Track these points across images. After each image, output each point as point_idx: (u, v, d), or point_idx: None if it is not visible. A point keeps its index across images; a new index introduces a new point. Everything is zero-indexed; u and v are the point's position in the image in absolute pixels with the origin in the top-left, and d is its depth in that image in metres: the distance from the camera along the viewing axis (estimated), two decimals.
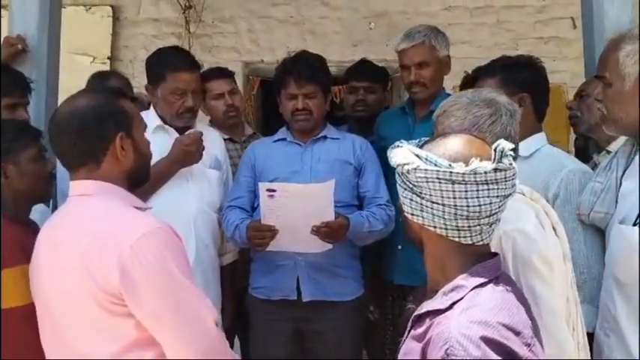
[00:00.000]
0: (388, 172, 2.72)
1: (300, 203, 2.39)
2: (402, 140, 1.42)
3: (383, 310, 2.85)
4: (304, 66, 2.64)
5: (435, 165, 1.30)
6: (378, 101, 3.26)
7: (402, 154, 1.36)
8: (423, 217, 1.34)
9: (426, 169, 1.30)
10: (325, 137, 2.71)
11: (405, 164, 1.33)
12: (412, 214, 1.36)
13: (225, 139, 3.04)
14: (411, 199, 1.36)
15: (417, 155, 1.34)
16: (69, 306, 1.55)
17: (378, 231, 2.58)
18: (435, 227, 1.34)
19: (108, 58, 5.03)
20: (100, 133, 1.62)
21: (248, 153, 2.79)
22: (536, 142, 2.12)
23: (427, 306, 1.36)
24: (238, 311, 2.82)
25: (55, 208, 2.36)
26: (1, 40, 2.65)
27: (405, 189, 1.37)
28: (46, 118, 2.62)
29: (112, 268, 1.48)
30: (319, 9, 4.99)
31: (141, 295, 1.49)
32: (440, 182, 1.29)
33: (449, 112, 1.69)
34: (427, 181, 1.30)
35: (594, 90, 2.43)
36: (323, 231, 2.41)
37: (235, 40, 5.02)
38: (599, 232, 2.01)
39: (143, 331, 1.52)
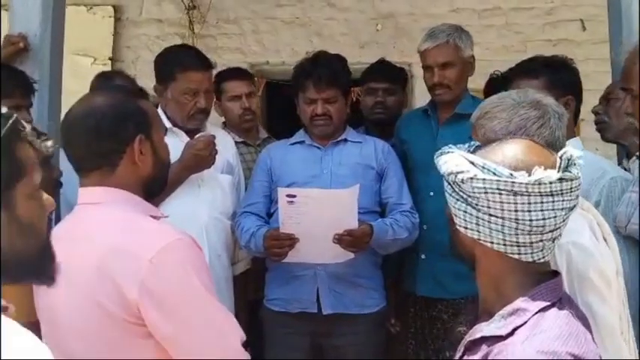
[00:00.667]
0: (407, 176, 2.59)
1: (321, 210, 2.24)
2: (450, 145, 1.27)
3: (404, 323, 2.70)
4: (324, 69, 2.48)
5: (495, 174, 1.16)
6: (397, 103, 3.10)
7: (454, 160, 1.21)
8: (479, 232, 1.20)
9: (484, 179, 1.16)
10: (346, 140, 2.56)
11: (459, 172, 1.19)
12: (466, 228, 1.21)
13: (238, 142, 2.90)
14: (465, 211, 1.21)
15: (472, 163, 1.19)
16: (79, 325, 1.40)
17: (402, 239, 2.44)
18: (492, 243, 1.19)
19: (109, 59, 4.87)
20: (117, 134, 1.46)
21: (263, 156, 2.63)
22: (573, 147, 1.98)
23: (483, 330, 1.21)
24: (251, 324, 2.64)
25: (58, 219, 2.20)
26: (1, 38, 2.50)
27: (458, 200, 1.22)
28: (48, 121, 2.49)
29: (129, 284, 1.33)
30: (325, 10, 4.85)
31: (162, 314, 1.34)
32: (500, 193, 1.15)
33: (491, 114, 1.54)
34: (486, 192, 1.16)
35: (619, 92, 2.30)
36: (346, 240, 2.26)
37: (240, 41, 4.87)
38: (636, 244, 1.91)
39: (162, 353, 1.37)
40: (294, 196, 2.24)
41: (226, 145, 2.64)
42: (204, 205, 2.47)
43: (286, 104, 3.69)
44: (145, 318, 1.35)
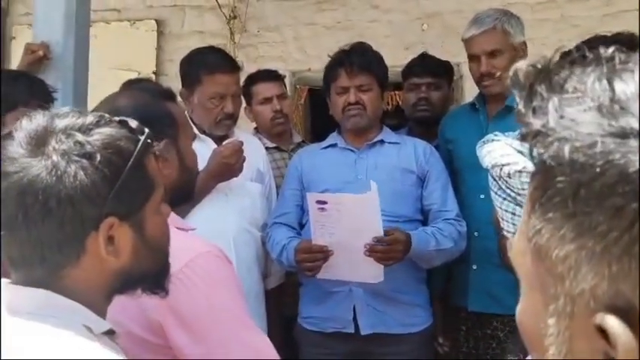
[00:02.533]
0: (454, 178, 2.31)
1: (355, 218, 1.98)
2: (496, 133, 1.01)
3: (454, 342, 2.37)
4: (357, 55, 2.24)
5: None
6: (442, 99, 2.78)
7: (500, 150, 0.95)
8: None
9: None
10: (382, 142, 2.28)
11: (505, 165, 0.93)
12: (515, 233, 0.95)
13: (271, 148, 2.69)
14: (514, 213, 0.94)
15: (521, 152, 0.93)
16: None
17: (447, 250, 2.14)
18: None
19: (153, 72, 4.78)
20: None
21: (294, 162, 2.39)
22: None
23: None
24: (287, 342, 2.39)
25: None
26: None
27: (505, 198, 0.95)
28: None
29: (152, 302, 1.13)
30: (368, 13, 4.62)
31: (189, 335, 1.17)
32: None
33: None
34: None
35: None
36: (378, 249, 1.98)
37: (282, 49, 4.69)
38: None
39: None
40: (325, 203, 1.98)
41: (256, 152, 2.42)
42: (232, 215, 2.25)
43: (329, 112, 3.47)
44: (170, 339, 1.17)
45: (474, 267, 2.25)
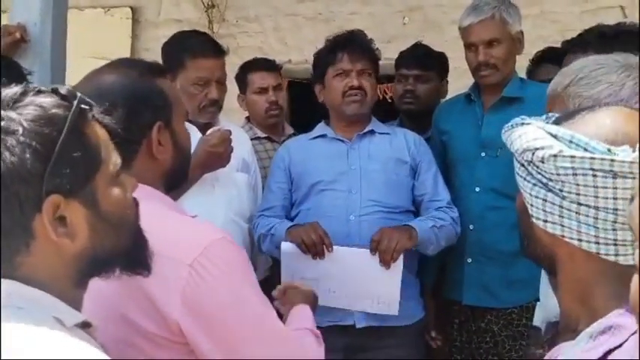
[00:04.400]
0: (448, 170, 2.26)
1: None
2: (523, 116, 0.95)
3: (447, 336, 2.32)
4: (358, 40, 2.18)
5: (587, 150, 0.84)
6: (430, 92, 2.70)
7: (532, 134, 0.89)
8: (562, 226, 0.88)
9: (573, 157, 0.84)
10: (373, 132, 2.21)
11: (538, 149, 0.87)
12: (546, 221, 0.90)
13: (262, 138, 2.63)
14: (545, 199, 0.89)
15: (555, 136, 0.88)
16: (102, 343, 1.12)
17: (447, 227, 2.11)
18: (580, 240, 0.87)
19: None
20: (132, 122, 1.16)
21: (280, 154, 2.30)
22: None
23: (566, 352, 0.89)
24: None
25: None
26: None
27: (535, 184, 0.90)
28: None
29: (166, 295, 1.06)
30: (349, 4, 4.56)
31: (209, 332, 1.07)
32: (595, 175, 0.83)
33: (591, 79, 1.21)
34: (575, 174, 0.84)
35: None
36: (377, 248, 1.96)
37: (261, 40, 4.61)
38: None
39: None
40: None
41: (241, 141, 2.32)
42: (219, 206, 2.15)
43: (310, 105, 3.40)
44: (191, 342, 1.07)
45: (469, 260, 2.21)
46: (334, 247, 1.98)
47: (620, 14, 4.35)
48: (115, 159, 0.88)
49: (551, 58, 2.64)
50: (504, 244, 2.13)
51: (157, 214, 1.13)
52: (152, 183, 1.19)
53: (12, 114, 0.78)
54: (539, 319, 1.75)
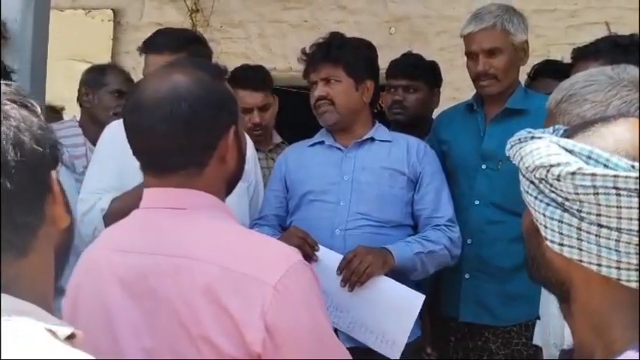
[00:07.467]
0: (447, 182, 2.17)
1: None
2: (529, 129, 0.86)
3: (443, 353, 2.24)
4: (321, 47, 2.06)
5: (607, 167, 0.76)
6: (418, 102, 2.62)
7: (546, 149, 0.80)
8: (580, 250, 0.78)
9: (594, 174, 0.75)
10: (372, 139, 2.10)
11: (554, 165, 0.78)
12: (562, 245, 0.80)
13: None
14: (561, 221, 0.79)
15: (571, 152, 0.79)
16: None
17: (438, 253, 1.98)
18: (600, 265, 0.78)
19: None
20: (213, 125, 1.11)
21: (279, 161, 2.20)
22: None
23: None
24: None
25: None
26: None
27: (549, 204, 0.80)
28: None
29: (248, 316, 1.00)
30: (335, 13, 4.50)
31: (291, 355, 1.02)
32: (619, 194, 0.74)
33: (580, 97, 1.15)
34: (596, 193, 0.75)
35: None
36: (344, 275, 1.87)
37: (245, 46, 4.52)
38: None
39: None
40: None
41: None
42: None
43: (295, 113, 3.28)
44: (265, 357, 1.01)
45: (466, 276, 2.13)
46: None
47: (605, 30, 4.36)
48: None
49: (549, 72, 2.59)
50: (503, 259, 2.06)
51: (230, 229, 1.11)
52: (219, 188, 1.15)
53: None
54: (539, 338, 1.68)
